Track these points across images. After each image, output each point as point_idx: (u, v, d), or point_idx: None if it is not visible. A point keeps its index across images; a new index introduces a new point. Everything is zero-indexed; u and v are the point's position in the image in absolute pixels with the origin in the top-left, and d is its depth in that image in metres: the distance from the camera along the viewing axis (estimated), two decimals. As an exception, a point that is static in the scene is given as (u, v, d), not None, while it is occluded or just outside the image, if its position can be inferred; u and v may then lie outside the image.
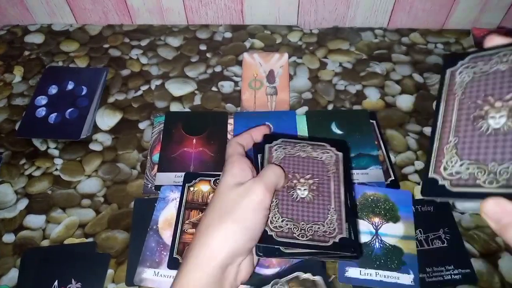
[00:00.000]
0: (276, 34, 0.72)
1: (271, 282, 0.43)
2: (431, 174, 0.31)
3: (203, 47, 0.71)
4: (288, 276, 0.43)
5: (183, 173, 0.53)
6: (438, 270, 0.47)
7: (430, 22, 0.72)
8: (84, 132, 0.58)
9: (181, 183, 0.51)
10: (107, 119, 0.61)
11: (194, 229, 0.48)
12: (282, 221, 0.39)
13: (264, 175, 0.39)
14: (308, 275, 0.42)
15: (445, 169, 0.30)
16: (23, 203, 0.53)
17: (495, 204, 0.28)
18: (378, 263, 0.46)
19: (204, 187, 0.51)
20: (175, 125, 0.59)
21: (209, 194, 0.50)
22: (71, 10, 0.72)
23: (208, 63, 0.68)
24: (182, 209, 0.49)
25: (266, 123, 0.58)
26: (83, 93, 0.62)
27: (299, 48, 0.70)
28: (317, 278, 0.43)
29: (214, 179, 0.52)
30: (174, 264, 0.45)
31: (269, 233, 0.38)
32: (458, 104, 0.32)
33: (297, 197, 0.40)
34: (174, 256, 0.46)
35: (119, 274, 0.47)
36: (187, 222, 0.48)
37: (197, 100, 0.63)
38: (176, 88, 0.65)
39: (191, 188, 0.51)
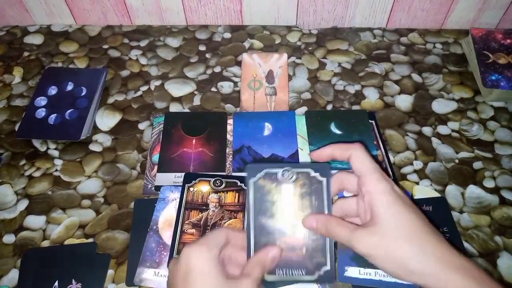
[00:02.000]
0: (275, 35, 0.73)
1: (282, 169, 0.42)
2: None
3: (202, 48, 0.71)
4: (300, 169, 0.42)
5: (182, 174, 0.53)
6: (437, 270, 0.47)
7: (429, 22, 0.72)
8: (84, 133, 0.58)
9: (181, 184, 0.52)
10: (106, 120, 0.61)
11: (194, 230, 0.48)
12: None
13: (252, 272, 0.36)
14: (317, 174, 0.42)
15: None
16: (23, 204, 0.53)
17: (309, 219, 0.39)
18: (377, 262, 0.46)
19: (203, 187, 0.51)
20: (174, 125, 0.59)
21: (209, 195, 0.50)
22: (70, 11, 0.72)
23: (207, 63, 0.68)
24: (182, 209, 0.49)
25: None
26: (83, 93, 0.62)
27: (298, 48, 0.71)
28: (323, 180, 0.42)
29: (213, 179, 0.52)
30: (174, 264, 0.46)
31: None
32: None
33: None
34: (174, 256, 0.46)
35: (119, 275, 0.47)
36: (186, 222, 0.48)
37: (197, 101, 0.64)
38: (176, 89, 0.65)
39: (191, 189, 0.51)
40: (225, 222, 0.48)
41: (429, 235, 0.34)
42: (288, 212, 0.41)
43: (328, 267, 0.40)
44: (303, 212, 0.41)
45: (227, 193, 0.51)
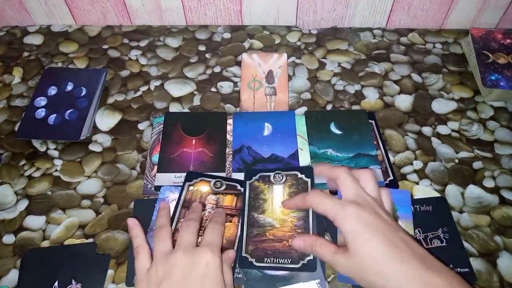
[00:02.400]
0: (275, 35, 0.73)
1: (274, 172, 0.50)
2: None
3: (202, 48, 0.71)
4: (288, 172, 0.50)
5: (182, 174, 0.53)
6: (437, 270, 0.47)
7: (429, 21, 0.72)
8: (83, 133, 0.58)
9: (181, 184, 0.52)
10: (106, 120, 0.61)
11: None
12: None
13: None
14: (303, 176, 0.50)
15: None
16: (23, 204, 0.53)
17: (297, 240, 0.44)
18: (377, 262, 0.46)
19: (203, 187, 0.51)
20: (174, 125, 0.59)
21: (207, 195, 0.50)
22: (70, 11, 0.72)
23: (207, 63, 0.68)
24: (180, 207, 0.49)
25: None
26: (83, 94, 0.62)
27: (298, 48, 0.71)
28: (307, 180, 0.49)
29: (214, 180, 0.52)
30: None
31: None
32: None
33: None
34: None
35: (119, 275, 0.47)
36: (182, 220, 0.48)
37: (196, 101, 0.64)
38: (176, 89, 0.65)
39: (191, 188, 0.51)
40: None
41: (394, 257, 0.37)
42: (277, 208, 0.48)
43: (311, 257, 0.45)
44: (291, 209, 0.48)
45: (225, 195, 0.51)
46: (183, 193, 0.50)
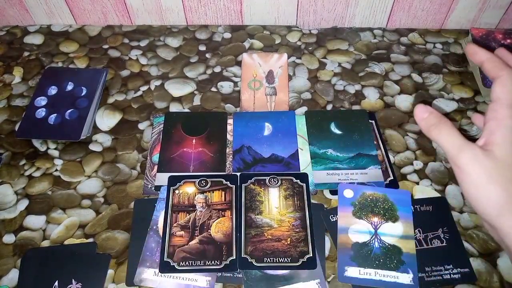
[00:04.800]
0: (275, 35, 0.73)
1: (269, 176, 0.52)
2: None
3: (202, 48, 0.71)
4: (284, 176, 0.52)
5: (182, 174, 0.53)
6: (437, 270, 0.47)
7: (429, 21, 0.72)
8: (84, 133, 0.58)
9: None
10: (106, 120, 0.61)
11: (182, 231, 0.48)
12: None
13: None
14: (298, 181, 0.52)
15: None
16: (23, 203, 0.53)
17: (422, 108, 0.39)
18: (377, 262, 0.46)
19: (189, 189, 0.51)
20: (174, 125, 0.59)
21: (195, 195, 0.51)
22: (70, 11, 0.72)
23: (207, 63, 0.68)
24: (169, 213, 0.49)
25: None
26: (83, 93, 0.62)
27: (298, 48, 0.71)
28: (303, 185, 0.51)
29: (198, 180, 0.52)
30: (165, 267, 0.46)
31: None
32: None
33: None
34: (165, 260, 0.46)
35: (119, 275, 0.47)
36: (175, 225, 0.48)
37: (197, 101, 0.64)
38: (176, 89, 0.65)
39: (176, 191, 0.51)
40: (213, 221, 0.48)
41: None
42: (274, 210, 0.50)
43: (310, 255, 0.46)
44: (287, 210, 0.49)
45: (213, 192, 0.51)
46: (170, 198, 0.50)
